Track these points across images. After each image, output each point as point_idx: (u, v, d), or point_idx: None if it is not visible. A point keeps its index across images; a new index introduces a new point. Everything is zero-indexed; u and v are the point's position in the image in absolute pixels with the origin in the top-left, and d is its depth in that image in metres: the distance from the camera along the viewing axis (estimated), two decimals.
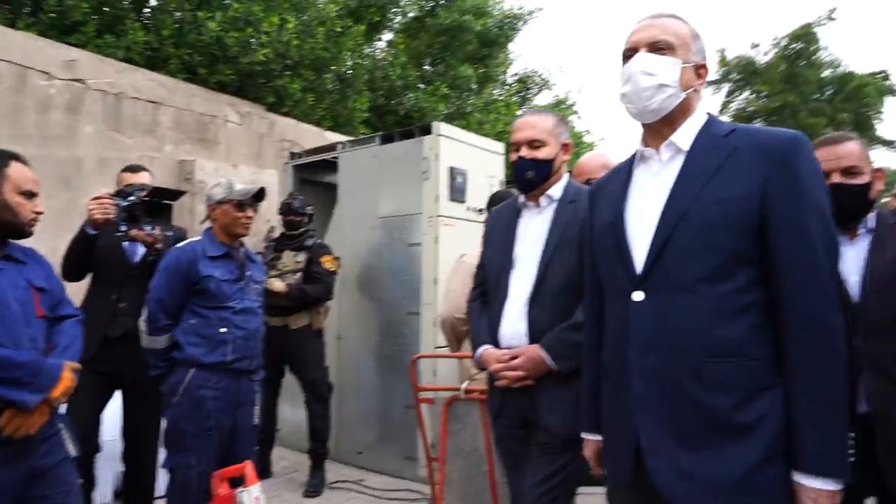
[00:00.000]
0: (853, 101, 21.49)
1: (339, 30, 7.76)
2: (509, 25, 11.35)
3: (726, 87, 22.38)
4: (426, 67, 10.63)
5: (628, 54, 1.43)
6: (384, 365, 4.32)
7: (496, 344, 2.03)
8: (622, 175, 1.51)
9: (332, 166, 5.01)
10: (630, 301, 1.35)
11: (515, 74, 12.77)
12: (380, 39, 10.16)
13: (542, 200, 2.07)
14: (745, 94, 23.52)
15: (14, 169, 1.89)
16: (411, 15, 10.25)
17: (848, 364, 1.24)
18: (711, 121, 1.42)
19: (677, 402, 1.27)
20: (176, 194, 3.03)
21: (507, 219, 2.14)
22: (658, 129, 1.42)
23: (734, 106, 22.16)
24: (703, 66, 1.44)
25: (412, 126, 4.74)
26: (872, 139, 20.67)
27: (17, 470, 1.77)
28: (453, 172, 4.21)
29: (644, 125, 1.45)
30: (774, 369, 1.25)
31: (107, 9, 5.93)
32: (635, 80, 1.38)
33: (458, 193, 4.25)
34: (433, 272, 4.07)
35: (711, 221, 1.28)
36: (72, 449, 1.92)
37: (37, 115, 4.54)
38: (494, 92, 11.93)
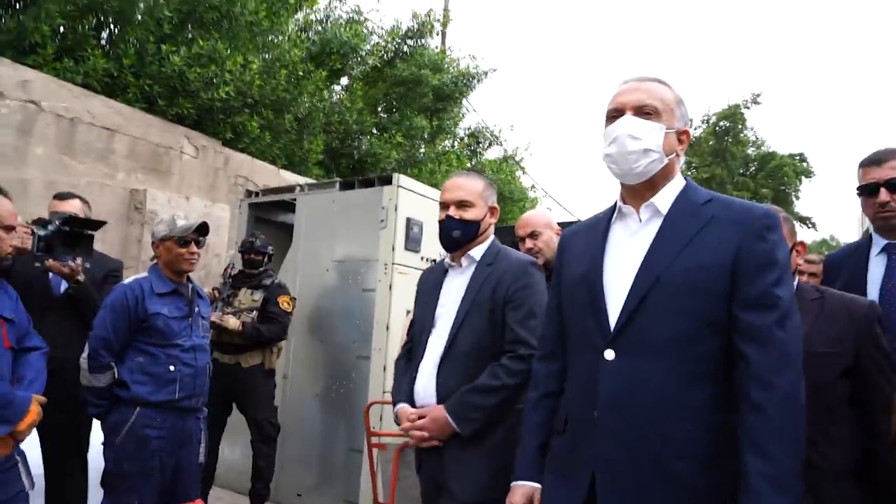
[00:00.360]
0: (774, 178, 23.18)
1: (300, 73, 7.94)
2: (464, 83, 11.82)
3: None
4: (382, 115, 10.89)
5: (614, 115, 1.43)
6: (330, 407, 4.32)
7: (412, 402, 2.04)
8: (599, 227, 1.49)
9: (288, 206, 5.06)
10: (601, 358, 1.35)
11: (468, 128, 13.22)
12: (338, 84, 10.37)
13: (464, 261, 2.10)
14: None
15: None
16: (371, 64, 10.54)
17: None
18: (689, 186, 1.43)
19: (639, 464, 1.28)
20: (95, 224, 2.89)
21: (435, 278, 2.19)
22: (639, 190, 1.42)
23: None
24: (686, 132, 1.45)
25: (372, 175, 4.88)
26: (791, 215, 22.22)
27: None
28: (410, 223, 4.36)
29: (624, 185, 1.46)
30: (734, 436, 1.26)
31: (65, 32, 5.89)
32: (621, 143, 1.38)
33: (413, 243, 4.39)
34: (385, 318, 4.14)
35: (685, 287, 1.30)
36: (27, 483, 1.88)
37: None
38: (446, 143, 12.29)
